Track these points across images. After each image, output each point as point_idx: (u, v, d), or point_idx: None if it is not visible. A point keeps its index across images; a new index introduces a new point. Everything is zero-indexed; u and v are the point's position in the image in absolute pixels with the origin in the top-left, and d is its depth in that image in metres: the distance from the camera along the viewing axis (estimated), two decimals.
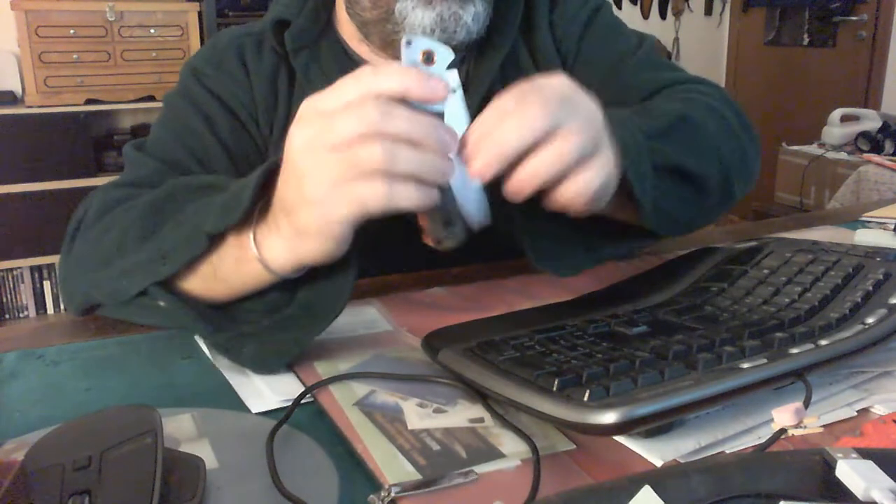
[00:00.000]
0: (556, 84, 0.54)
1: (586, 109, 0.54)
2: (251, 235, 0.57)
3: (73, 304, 0.69)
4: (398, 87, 0.49)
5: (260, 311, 0.62)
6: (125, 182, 0.78)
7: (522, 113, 0.51)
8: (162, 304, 0.61)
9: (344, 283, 0.59)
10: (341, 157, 0.49)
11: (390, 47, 0.83)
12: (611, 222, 0.68)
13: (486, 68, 0.86)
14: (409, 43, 0.52)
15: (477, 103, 0.84)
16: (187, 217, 0.61)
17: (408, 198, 0.49)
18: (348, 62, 0.86)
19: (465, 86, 0.87)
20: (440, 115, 0.51)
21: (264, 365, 0.57)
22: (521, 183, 0.52)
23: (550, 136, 0.51)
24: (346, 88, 0.50)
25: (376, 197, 0.49)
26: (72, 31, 2.78)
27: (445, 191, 0.51)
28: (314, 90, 0.82)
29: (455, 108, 0.52)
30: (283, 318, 0.60)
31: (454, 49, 0.81)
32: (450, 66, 0.53)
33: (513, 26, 0.87)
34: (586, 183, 0.54)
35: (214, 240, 0.59)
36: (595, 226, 0.66)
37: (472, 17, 0.80)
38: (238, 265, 0.59)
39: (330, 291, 0.59)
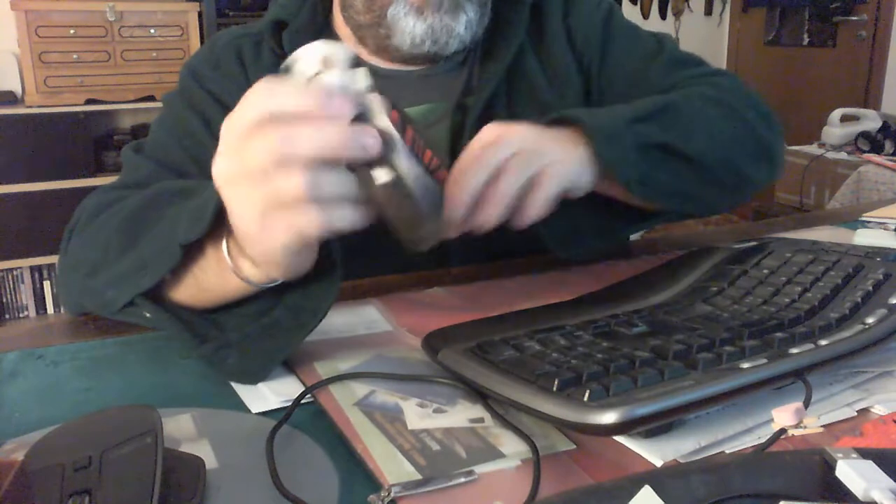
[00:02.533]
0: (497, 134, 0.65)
1: (522, 138, 0.65)
2: (225, 247, 0.56)
3: (68, 308, 0.70)
4: (295, 109, 0.46)
5: (248, 316, 0.60)
6: (121, 184, 0.77)
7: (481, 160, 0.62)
8: (147, 315, 0.60)
9: (330, 283, 0.58)
10: (262, 190, 0.47)
11: (384, 52, 0.84)
12: (624, 205, 0.74)
13: (490, 74, 0.86)
14: (297, 59, 0.47)
15: (479, 110, 0.84)
16: (164, 226, 0.60)
17: (344, 218, 0.47)
18: None
19: (468, 91, 0.87)
20: (363, 116, 0.47)
21: (248, 376, 0.56)
22: (487, 213, 0.62)
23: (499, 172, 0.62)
24: (246, 110, 0.47)
25: (308, 225, 0.47)
26: (72, 31, 2.78)
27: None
28: None
29: (374, 103, 0.48)
30: (269, 323, 0.58)
31: (446, 58, 0.82)
32: (355, 65, 0.48)
33: (517, 32, 0.87)
34: (544, 193, 0.64)
35: (192, 249, 0.58)
36: (609, 208, 0.73)
37: (465, 27, 0.80)
38: (219, 277, 0.58)
39: (316, 293, 0.58)
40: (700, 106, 0.77)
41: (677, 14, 4.37)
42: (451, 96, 0.87)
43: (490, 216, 0.62)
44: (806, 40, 4.18)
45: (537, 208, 0.64)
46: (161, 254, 0.58)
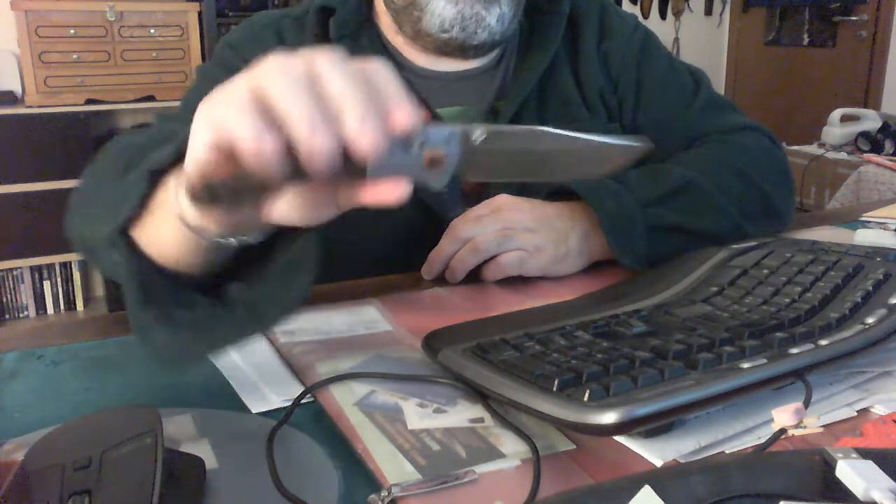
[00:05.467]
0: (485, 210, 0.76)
1: (500, 220, 0.74)
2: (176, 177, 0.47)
3: (71, 242, 0.65)
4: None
5: (213, 299, 0.53)
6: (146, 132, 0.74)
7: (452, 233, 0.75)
8: (116, 258, 0.52)
9: (294, 287, 0.51)
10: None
11: (419, 38, 0.84)
12: None
13: (523, 80, 0.87)
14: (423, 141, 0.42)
15: (510, 115, 0.86)
16: (149, 158, 0.52)
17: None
18: (386, 56, 0.87)
19: (500, 95, 0.89)
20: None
21: (167, 361, 0.52)
22: (454, 270, 0.75)
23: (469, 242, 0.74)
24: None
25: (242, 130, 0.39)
26: (72, 31, 2.78)
27: None
28: None
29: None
30: (221, 314, 0.52)
31: (476, 49, 0.83)
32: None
33: (553, 41, 0.88)
34: (500, 272, 0.74)
35: (162, 186, 0.50)
36: None
37: (497, 19, 0.81)
38: (167, 215, 0.49)
39: (276, 292, 0.51)
40: (717, 178, 0.81)
41: (677, 14, 4.37)
42: (483, 99, 0.88)
43: (452, 278, 0.75)
44: (806, 40, 4.18)
45: (492, 277, 0.74)
46: (135, 183, 0.51)
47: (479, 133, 0.43)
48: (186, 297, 0.53)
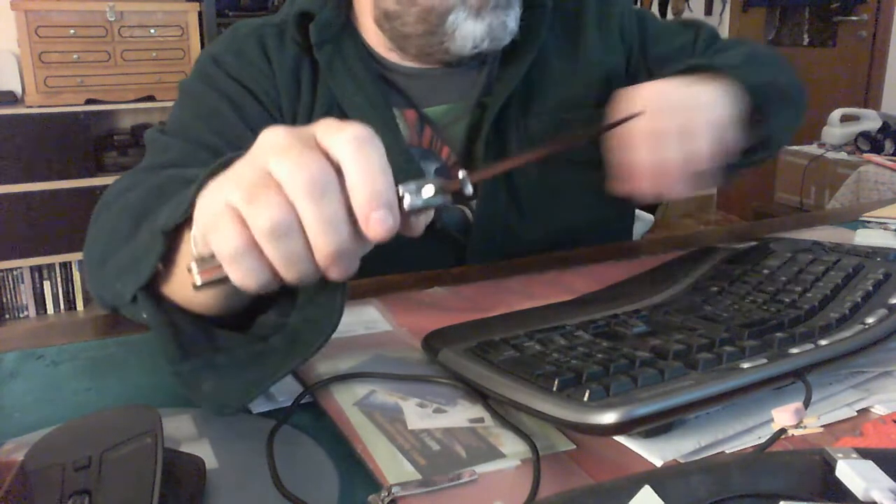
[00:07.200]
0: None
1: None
2: (193, 236, 0.48)
3: (97, 302, 0.66)
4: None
5: (249, 336, 0.53)
6: (149, 165, 0.75)
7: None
8: (145, 315, 0.53)
9: (330, 309, 0.50)
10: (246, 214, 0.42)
11: (428, 57, 0.84)
12: None
13: (509, 78, 0.87)
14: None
15: (497, 109, 0.85)
16: (160, 214, 0.53)
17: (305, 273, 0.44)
18: (372, 61, 0.87)
19: (487, 91, 0.89)
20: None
21: (220, 407, 0.49)
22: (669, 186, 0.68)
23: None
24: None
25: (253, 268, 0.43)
26: (72, 31, 2.78)
27: None
28: (338, 83, 0.86)
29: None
30: (262, 350, 0.52)
31: (472, 57, 0.83)
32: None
33: (538, 38, 0.88)
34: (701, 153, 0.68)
35: (180, 241, 0.52)
36: None
37: (514, 19, 0.83)
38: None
39: (313, 317, 0.51)
40: (764, 57, 0.88)
41: (677, 14, 4.37)
42: (470, 96, 0.88)
43: (673, 188, 0.67)
44: (806, 40, 4.17)
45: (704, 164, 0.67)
46: (150, 243, 0.52)
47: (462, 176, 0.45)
48: (222, 340, 0.54)
